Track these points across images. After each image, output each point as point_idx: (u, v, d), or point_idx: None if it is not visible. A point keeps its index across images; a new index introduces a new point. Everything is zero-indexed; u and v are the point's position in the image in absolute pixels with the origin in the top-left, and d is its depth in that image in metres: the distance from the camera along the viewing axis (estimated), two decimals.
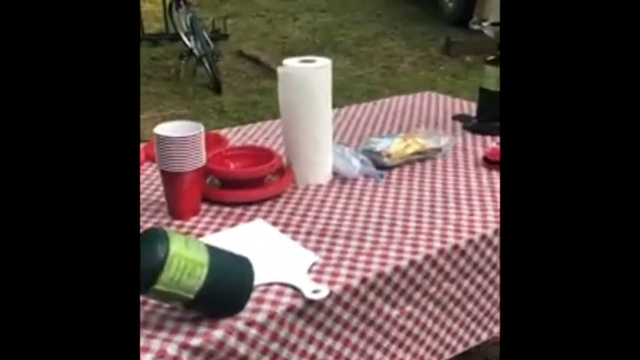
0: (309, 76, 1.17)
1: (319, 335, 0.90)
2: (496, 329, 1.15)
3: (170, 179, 1.06)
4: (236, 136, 1.52)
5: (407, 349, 1.02)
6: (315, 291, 0.87)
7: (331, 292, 0.89)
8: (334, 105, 1.29)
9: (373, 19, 5.76)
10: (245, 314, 0.83)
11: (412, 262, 0.97)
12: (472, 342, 1.12)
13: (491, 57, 1.50)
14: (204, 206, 1.13)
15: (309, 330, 0.89)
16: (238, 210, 1.13)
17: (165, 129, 1.06)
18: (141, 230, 1.04)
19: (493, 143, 1.43)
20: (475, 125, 1.56)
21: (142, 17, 5.16)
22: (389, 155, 1.31)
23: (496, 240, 1.07)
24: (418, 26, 5.27)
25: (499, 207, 1.13)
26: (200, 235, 1.04)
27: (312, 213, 1.13)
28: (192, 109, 3.79)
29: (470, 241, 1.04)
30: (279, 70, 1.19)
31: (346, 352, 0.94)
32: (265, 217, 1.11)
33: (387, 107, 1.76)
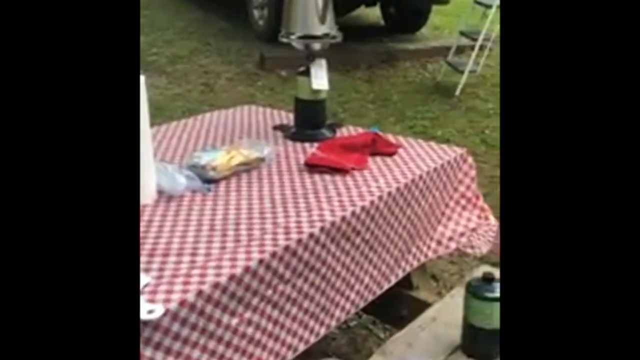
0: None
1: (159, 357, 0.87)
2: (333, 323, 1.22)
3: None
4: None
5: (250, 356, 1.03)
6: (149, 311, 0.84)
7: (167, 310, 0.87)
8: (153, 125, 1.26)
9: (185, 36, 5.69)
10: None
11: (246, 269, 0.99)
12: (312, 339, 1.17)
13: (302, 69, 1.58)
14: None
15: (148, 352, 0.86)
16: None
17: None
18: None
19: (312, 149, 1.51)
20: (294, 134, 1.63)
21: None
22: (214, 168, 1.31)
23: (323, 238, 1.14)
24: (232, 42, 5.33)
25: (323, 207, 1.20)
26: None
27: (140, 234, 1.09)
28: None
29: (299, 241, 1.09)
30: None
31: None
32: None
33: (208, 122, 1.76)
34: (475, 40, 4.05)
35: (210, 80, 4.50)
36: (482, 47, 4.04)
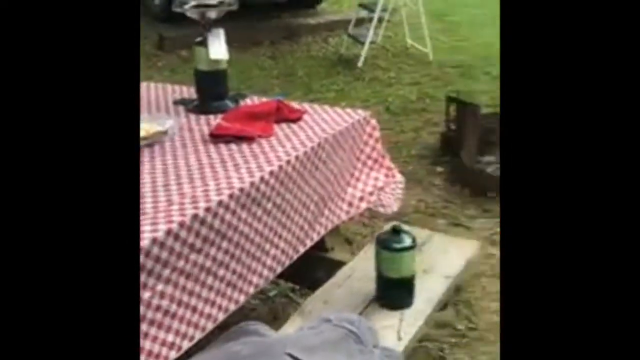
0: None
1: None
2: (251, 289, 1.21)
3: None
4: None
5: (168, 329, 1.01)
6: None
7: None
8: None
9: None
10: None
11: (153, 240, 0.96)
12: (231, 307, 1.16)
13: (199, 39, 1.54)
14: None
15: None
16: None
17: None
18: None
19: (216, 120, 1.48)
20: (196, 107, 1.59)
21: None
22: None
23: (232, 205, 1.12)
24: None
25: (231, 175, 1.19)
26: None
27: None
28: None
29: (208, 209, 1.07)
30: None
31: None
32: None
33: None
34: (373, 12, 4.13)
35: None
36: (380, 19, 4.13)
